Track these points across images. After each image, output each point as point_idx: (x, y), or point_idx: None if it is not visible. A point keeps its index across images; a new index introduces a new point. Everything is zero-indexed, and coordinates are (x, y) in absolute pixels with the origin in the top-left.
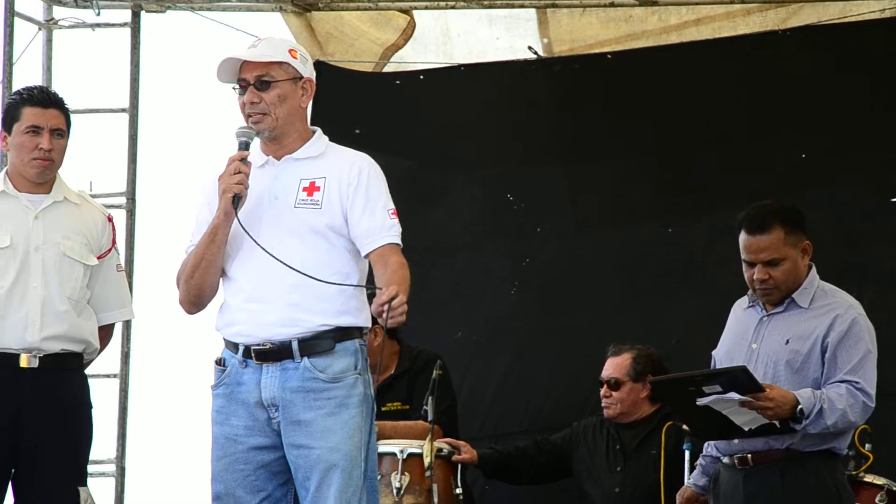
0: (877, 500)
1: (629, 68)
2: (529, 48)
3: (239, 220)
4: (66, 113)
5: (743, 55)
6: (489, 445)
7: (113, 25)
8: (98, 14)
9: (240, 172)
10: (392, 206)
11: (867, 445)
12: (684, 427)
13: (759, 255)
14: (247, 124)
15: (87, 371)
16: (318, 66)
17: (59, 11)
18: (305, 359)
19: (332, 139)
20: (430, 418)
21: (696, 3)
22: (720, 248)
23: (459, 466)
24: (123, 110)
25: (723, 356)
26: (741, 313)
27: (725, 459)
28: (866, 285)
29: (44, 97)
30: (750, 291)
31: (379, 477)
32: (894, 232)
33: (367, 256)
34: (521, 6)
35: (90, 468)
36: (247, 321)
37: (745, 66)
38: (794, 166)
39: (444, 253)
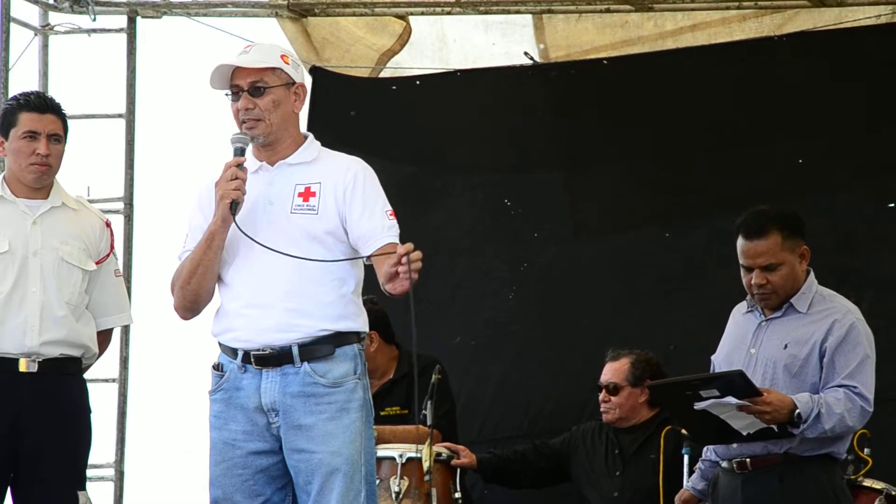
0: None
1: (625, 74)
2: (525, 54)
3: (237, 225)
4: (63, 118)
5: (739, 61)
6: (488, 450)
7: (109, 31)
8: (94, 19)
9: (237, 178)
10: (389, 206)
11: (866, 450)
12: (683, 431)
13: (757, 260)
14: (240, 130)
15: (86, 376)
16: (315, 71)
17: (55, 17)
18: (305, 364)
19: (328, 144)
20: (429, 422)
21: (692, 9)
22: (718, 252)
23: (458, 470)
24: (120, 115)
25: (722, 361)
26: (740, 318)
27: (724, 464)
28: (865, 290)
29: (41, 102)
30: (748, 296)
31: (378, 481)
32: (893, 237)
33: (368, 258)
34: (518, 12)
35: (89, 472)
36: (245, 327)
37: (741, 72)
38: (792, 171)
39: (442, 258)
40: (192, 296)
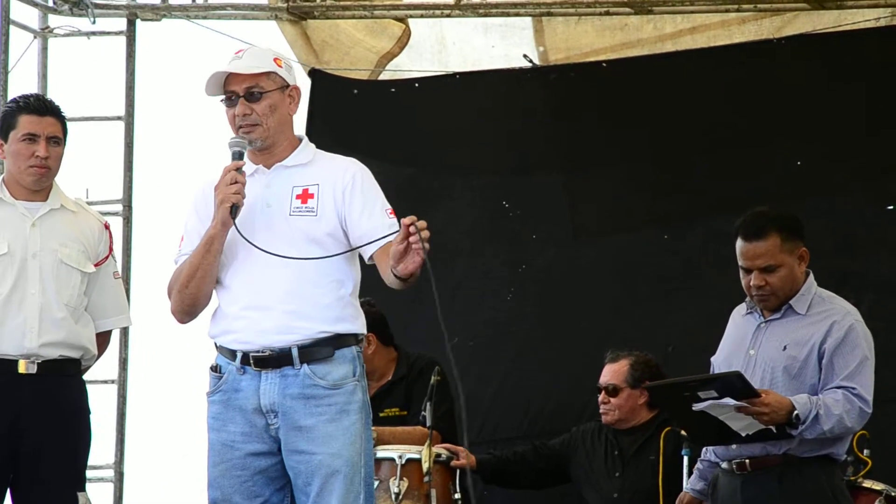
0: None
1: (625, 76)
2: (525, 56)
3: (238, 229)
4: (62, 121)
5: (738, 64)
6: (487, 450)
7: (108, 34)
8: (93, 22)
9: (237, 182)
10: (388, 205)
11: (865, 451)
12: (682, 433)
13: (756, 261)
14: (237, 135)
15: (86, 377)
16: (314, 73)
17: (54, 20)
18: (305, 365)
19: (327, 146)
20: (428, 424)
21: (692, 12)
22: (717, 254)
23: (458, 471)
24: (119, 118)
25: (721, 362)
26: (739, 320)
27: (724, 465)
28: (864, 293)
29: (40, 105)
30: (748, 298)
31: (378, 482)
32: (892, 239)
33: (371, 257)
34: (517, 14)
35: (89, 473)
36: (245, 329)
37: (741, 75)
38: (791, 174)
39: (441, 259)
40: (191, 299)
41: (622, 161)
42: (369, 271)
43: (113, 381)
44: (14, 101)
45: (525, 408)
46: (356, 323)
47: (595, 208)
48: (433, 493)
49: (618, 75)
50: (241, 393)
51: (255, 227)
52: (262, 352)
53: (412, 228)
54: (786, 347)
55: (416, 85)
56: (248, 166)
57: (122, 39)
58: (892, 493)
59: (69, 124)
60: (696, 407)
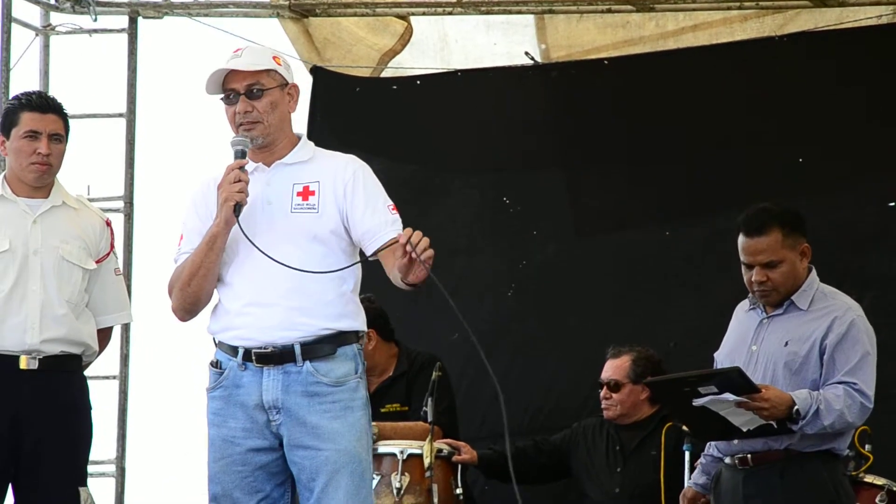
0: (877, 501)
1: (626, 74)
2: (526, 54)
3: (241, 228)
4: (64, 118)
5: (740, 61)
6: (489, 446)
7: (110, 31)
8: (95, 20)
9: (240, 181)
10: (390, 201)
11: (867, 446)
12: (684, 428)
13: (757, 257)
14: (237, 134)
15: (87, 373)
16: (316, 71)
17: (56, 17)
18: (308, 362)
19: (328, 143)
20: (429, 419)
21: (693, 10)
22: (719, 251)
23: (459, 467)
24: (121, 115)
25: (724, 358)
26: (742, 316)
27: (727, 460)
28: (866, 289)
29: (42, 102)
30: (750, 294)
31: (379, 477)
32: (894, 236)
33: (375, 253)
34: (519, 12)
35: (90, 469)
36: (247, 325)
37: (743, 72)
38: (793, 171)
39: (442, 255)
40: (193, 298)
41: (624, 158)
42: (369, 267)
43: (114, 377)
44: (16, 97)
45: (526, 403)
46: (358, 319)
47: (596, 205)
48: (435, 488)
49: (619, 73)
50: (242, 389)
51: (256, 224)
52: (265, 348)
53: (408, 247)
54: (787, 343)
55: (418, 82)
56: (248, 164)
57: (124, 37)
58: (894, 488)
59: (71, 121)
60: (697, 402)
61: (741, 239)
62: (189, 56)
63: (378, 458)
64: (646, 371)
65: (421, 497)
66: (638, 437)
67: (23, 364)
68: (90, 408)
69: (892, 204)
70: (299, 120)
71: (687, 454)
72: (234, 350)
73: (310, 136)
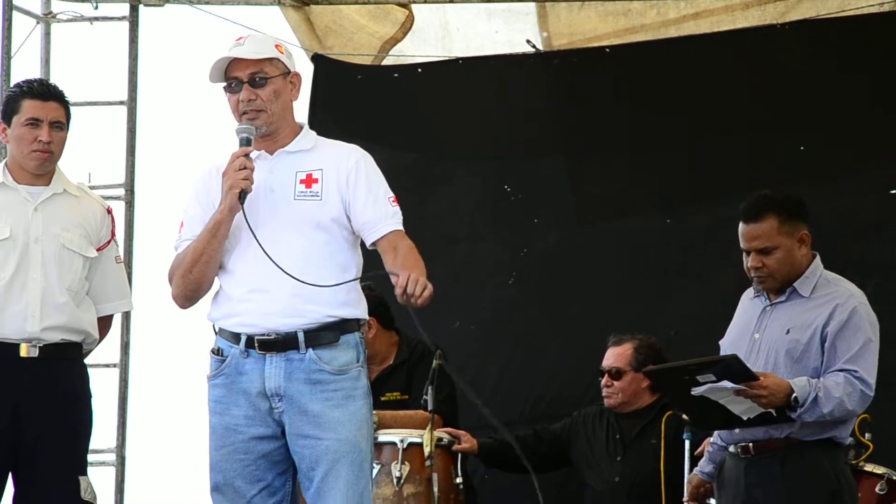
0: (877, 489)
1: (628, 62)
2: (528, 42)
3: (245, 217)
4: (65, 105)
5: (742, 49)
6: (489, 435)
7: (111, 19)
8: (96, 8)
9: (245, 168)
10: (391, 193)
11: (867, 435)
12: (684, 417)
13: (752, 243)
14: (241, 122)
15: (87, 361)
16: (317, 59)
17: (57, 5)
18: (311, 350)
19: (330, 131)
20: (430, 408)
21: None
22: (720, 239)
23: (459, 456)
24: (122, 103)
25: (728, 346)
26: (747, 303)
27: (731, 448)
28: (868, 277)
29: (43, 90)
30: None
31: (379, 466)
32: (895, 224)
33: (373, 244)
34: (521, 0)
35: (90, 457)
36: (250, 312)
37: (744, 60)
38: (794, 159)
39: (443, 244)
40: (194, 284)
41: (625, 146)
42: (369, 255)
43: (115, 365)
44: (17, 85)
45: (526, 392)
46: (359, 308)
47: (598, 193)
48: (435, 476)
49: (621, 61)
50: (244, 376)
51: (259, 212)
52: (268, 335)
53: (403, 299)
54: (789, 331)
55: (420, 70)
56: (252, 152)
57: (125, 25)
58: (894, 477)
59: (72, 109)
60: (696, 391)
61: (740, 225)
62: (190, 44)
63: (378, 446)
64: (647, 359)
65: (421, 486)
66: (638, 425)
67: (23, 352)
68: (90, 396)
69: (894, 191)
70: (300, 108)
71: (687, 443)
72: (236, 337)
73: (311, 124)
